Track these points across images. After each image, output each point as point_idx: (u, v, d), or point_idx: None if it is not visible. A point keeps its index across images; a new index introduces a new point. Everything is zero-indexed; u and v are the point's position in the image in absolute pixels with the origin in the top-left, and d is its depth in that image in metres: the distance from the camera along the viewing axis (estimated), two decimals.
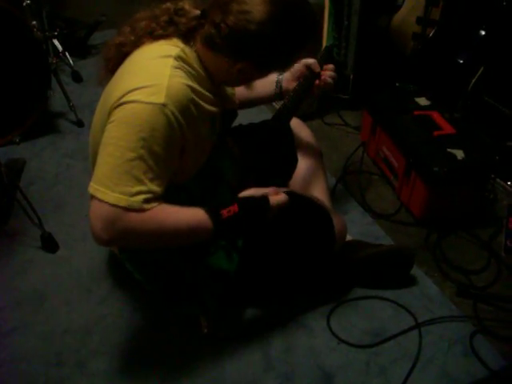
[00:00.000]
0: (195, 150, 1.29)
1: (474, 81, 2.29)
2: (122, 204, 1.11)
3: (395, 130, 2.19)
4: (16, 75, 2.41)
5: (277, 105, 1.60)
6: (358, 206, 2.15)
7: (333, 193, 2.16)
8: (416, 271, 1.82)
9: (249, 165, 1.49)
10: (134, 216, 1.13)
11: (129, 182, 1.12)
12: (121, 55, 1.31)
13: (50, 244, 1.91)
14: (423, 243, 1.96)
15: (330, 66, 1.61)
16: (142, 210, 1.14)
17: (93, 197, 1.14)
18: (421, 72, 2.58)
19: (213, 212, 1.24)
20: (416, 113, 2.23)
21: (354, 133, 2.66)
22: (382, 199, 2.21)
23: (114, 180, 1.12)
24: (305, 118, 1.98)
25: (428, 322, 1.65)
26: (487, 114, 2.33)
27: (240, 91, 1.65)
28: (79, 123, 2.69)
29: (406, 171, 2.08)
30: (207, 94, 1.29)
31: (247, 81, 1.38)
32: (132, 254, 1.50)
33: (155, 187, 1.16)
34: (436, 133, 2.09)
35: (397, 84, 2.68)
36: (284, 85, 1.66)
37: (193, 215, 1.23)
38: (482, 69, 2.27)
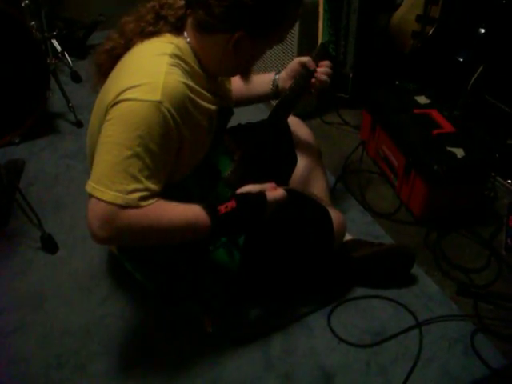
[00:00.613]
0: (192, 147, 1.29)
1: (473, 79, 2.28)
2: (119, 202, 1.12)
3: (395, 129, 2.19)
4: (15, 76, 2.41)
5: (275, 103, 1.59)
6: (358, 205, 2.15)
7: (332, 192, 2.15)
8: (416, 270, 1.81)
9: (247, 164, 1.48)
10: (130, 213, 1.13)
11: (125, 180, 1.12)
12: (112, 59, 1.31)
13: (49, 245, 1.91)
14: (423, 242, 1.96)
15: (325, 63, 1.60)
16: (139, 208, 1.14)
17: (90, 195, 1.14)
18: (420, 70, 2.58)
19: (210, 208, 1.24)
20: (416, 111, 2.23)
21: (353, 132, 2.66)
22: (382, 198, 2.21)
23: (110, 178, 1.12)
24: (304, 117, 1.97)
25: (428, 321, 1.65)
26: (487, 112, 2.33)
27: (237, 89, 1.65)
28: (78, 124, 2.68)
29: (405, 170, 2.08)
30: (203, 91, 1.28)
31: (243, 62, 1.35)
32: (132, 254, 1.50)
33: (152, 185, 1.16)
34: (436, 131, 2.09)
35: (396, 82, 2.68)
36: (280, 84, 1.66)
37: (190, 211, 1.23)
38: (481, 67, 2.27)
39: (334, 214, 1.63)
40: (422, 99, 2.32)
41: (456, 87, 2.38)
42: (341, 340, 1.60)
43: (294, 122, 1.83)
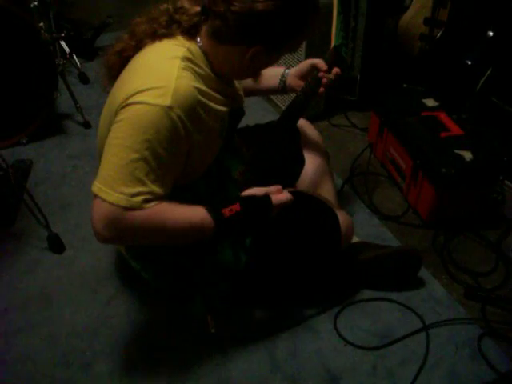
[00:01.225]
0: (203, 150, 1.29)
1: (481, 82, 2.27)
2: (123, 204, 1.13)
3: (402, 132, 2.18)
4: (23, 77, 2.42)
5: (284, 106, 1.59)
6: (365, 208, 2.14)
7: (340, 194, 2.15)
8: (423, 273, 1.81)
9: (256, 165, 1.48)
10: (134, 215, 1.14)
11: (130, 183, 1.13)
12: (122, 61, 1.32)
13: (56, 245, 1.91)
14: (431, 245, 1.95)
15: (335, 70, 1.60)
16: (142, 209, 1.15)
17: (95, 195, 1.15)
18: (428, 73, 2.57)
19: (214, 211, 1.24)
20: (423, 114, 2.22)
21: (360, 134, 2.65)
22: (390, 201, 2.20)
23: (116, 180, 1.13)
24: (312, 119, 1.97)
25: (436, 325, 1.64)
26: (495, 116, 2.31)
27: (245, 82, 1.65)
28: (86, 124, 2.69)
29: (413, 173, 2.07)
30: (215, 94, 1.28)
31: (256, 70, 1.36)
32: (139, 252, 1.50)
33: (156, 188, 1.17)
34: (443, 134, 2.08)
35: (404, 85, 2.68)
36: (288, 80, 1.67)
37: (194, 214, 1.23)
38: (490, 70, 2.26)
39: (342, 216, 1.62)
40: (430, 102, 2.31)
41: (464, 90, 2.37)
42: (347, 342, 1.59)
43: (302, 123, 1.83)
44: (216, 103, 1.29)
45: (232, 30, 1.19)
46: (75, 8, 3.72)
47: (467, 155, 1.95)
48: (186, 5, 1.28)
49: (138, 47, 1.29)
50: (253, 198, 1.32)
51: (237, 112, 1.46)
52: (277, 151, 1.54)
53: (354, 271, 1.74)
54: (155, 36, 1.27)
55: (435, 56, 2.55)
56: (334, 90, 1.77)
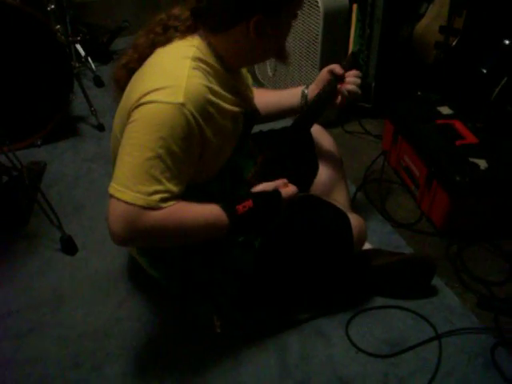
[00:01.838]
0: (216, 149, 1.29)
1: (497, 90, 2.26)
2: (140, 203, 1.12)
3: (417, 139, 2.17)
4: (39, 78, 2.44)
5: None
6: (378, 215, 2.13)
7: (353, 201, 2.14)
8: (437, 281, 1.79)
9: (270, 168, 1.48)
10: (151, 214, 1.14)
11: (146, 182, 1.13)
12: (129, 73, 1.33)
13: (69, 246, 1.92)
14: (444, 253, 1.94)
15: (354, 72, 1.58)
16: (160, 209, 1.15)
17: (111, 196, 1.15)
18: (443, 81, 2.56)
19: (228, 208, 1.24)
20: (438, 122, 2.21)
21: (374, 141, 2.64)
22: (403, 208, 2.19)
23: (132, 179, 1.13)
24: (325, 126, 1.96)
25: (448, 334, 1.63)
26: (510, 124, 2.30)
27: (264, 103, 1.65)
28: (100, 127, 2.71)
29: (427, 180, 2.06)
30: (227, 94, 1.29)
31: (271, 45, 1.33)
32: (148, 250, 1.50)
33: (173, 187, 1.17)
34: (458, 142, 2.07)
35: (419, 93, 2.67)
36: (310, 95, 1.63)
37: (210, 212, 1.24)
38: (505, 78, 2.25)
39: (354, 219, 1.61)
40: (445, 110, 2.30)
41: (479, 98, 2.36)
42: (359, 349, 1.58)
43: (317, 130, 1.82)
44: (227, 103, 1.29)
45: (224, 11, 1.20)
46: (91, 12, 3.74)
47: (482, 164, 1.94)
48: (178, 11, 1.30)
49: (142, 59, 1.30)
50: (264, 193, 1.32)
51: (251, 114, 1.46)
52: (290, 155, 1.54)
53: (367, 278, 1.73)
54: (154, 45, 1.29)
55: (450, 64, 2.54)
56: (352, 104, 1.73)
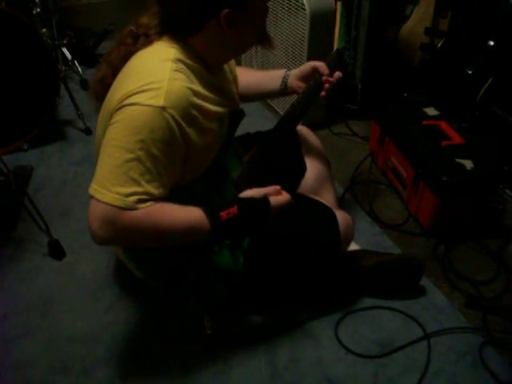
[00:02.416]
0: (201, 151, 1.29)
1: (482, 91, 2.28)
2: (117, 204, 1.13)
3: (403, 140, 2.18)
4: (25, 82, 2.42)
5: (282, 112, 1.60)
6: (366, 216, 2.14)
7: (341, 202, 2.15)
8: (424, 281, 1.80)
9: (256, 167, 1.48)
10: (129, 215, 1.15)
11: (125, 183, 1.14)
12: (105, 87, 1.34)
13: (56, 251, 1.91)
14: (432, 253, 1.95)
15: (337, 74, 1.60)
16: (138, 209, 1.15)
17: (92, 197, 1.16)
18: (429, 82, 2.58)
19: (211, 213, 1.24)
20: (424, 123, 2.23)
21: (361, 143, 2.66)
22: (390, 209, 2.20)
23: (111, 180, 1.14)
24: (312, 128, 1.97)
25: (437, 333, 1.63)
26: (496, 125, 2.32)
27: (245, 84, 1.66)
28: (87, 131, 2.70)
29: (414, 181, 2.07)
30: (210, 94, 1.29)
31: (252, 34, 1.33)
32: (135, 252, 1.51)
33: (152, 189, 1.17)
34: (444, 143, 2.08)
35: (405, 94, 2.69)
36: (289, 81, 1.66)
37: (191, 215, 1.24)
38: (490, 79, 2.27)
39: (340, 216, 1.63)
40: (431, 111, 2.32)
41: (465, 99, 2.37)
42: (348, 351, 1.58)
43: (303, 131, 1.83)
44: (211, 103, 1.29)
45: (191, 13, 1.21)
46: (77, 15, 3.74)
47: (468, 164, 1.95)
48: (146, 20, 1.31)
49: (116, 74, 1.31)
50: (251, 200, 1.32)
51: (236, 113, 1.46)
52: (276, 153, 1.54)
53: (355, 278, 1.74)
54: (127, 58, 1.30)
55: (436, 65, 2.56)
56: (335, 97, 1.76)
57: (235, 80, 1.61)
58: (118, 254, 1.62)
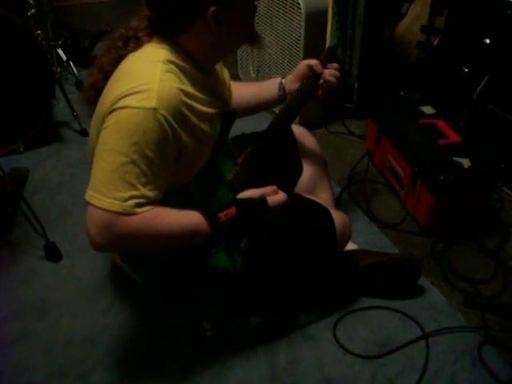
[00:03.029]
0: (194, 152, 1.28)
1: (479, 89, 2.28)
2: (115, 209, 1.12)
3: (400, 139, 2.18)
4: (20, 84, 2.41)
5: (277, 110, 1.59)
6: (364, 216, 2.14)
7: (338, 202, 2.15)
8: (422, 281, 1.80)
9: (251, 167, 1.47)
10: (127, 220, 1.14)
11: (121, 188, 1.13)
12: (96, 92, 1.33)
13: (53, 253, 1.90)
14: (429, 252, 1.94)
15: (333, 65, 1.61)
16: (135, 214, 1.14)
17: (88, 203, 1.15)
18: (426, 81, 2.58)
19: (210, 216, 1.24)
20: (421, 121, 2.22)
21: (358, 142, 2.65)
22: (388, 208, 2.19)
23: (107, 185, 1.13)
24: (309, 127, 1.97)
25: (435, 333, 1.63)
26: (493, 123, 2.32)
27: (243, 97, 1.65)
28: (83, 132, 2.69)
29: (411, 180, 2.06)
30: (201, 95, 1.29)
31: (241, 31, 1.33)
32: (132, 255, 1.50)
33: (148, 192, 1.16)
34: (441, 141, 2.08)
35: (401, 93, 2.68)
36: (287, 87, 1.66)
37: (190, 219, 1.23)
38: (487, 77, 2.26)
39: (337, 215, 1.62)
40: (428, 109, 2.32)
41: (461, 97, 2.37)
42: (346, 351, 1.58)
43: (299, 130, 1.83)
44: (202, 104, 1.29)
45: (178, 12, 1.21)
46: (72, 16, 3.72)
47: (465, 162, 1.95)
48: (135, 23, 1.30)
49: (107, 78, 1.30)
50: (249, 201, 1.31)
51: (229, 114, 1.46)
52: (271, 153, 1.53)
53: (353, 278, 1.74)
54: (117, 61, 1.29)
55: (432, 63, 2.55)
56: (331, 96, 1.76)
57: (227, 82, 1.61)
58: (114, 258, 1.61)
